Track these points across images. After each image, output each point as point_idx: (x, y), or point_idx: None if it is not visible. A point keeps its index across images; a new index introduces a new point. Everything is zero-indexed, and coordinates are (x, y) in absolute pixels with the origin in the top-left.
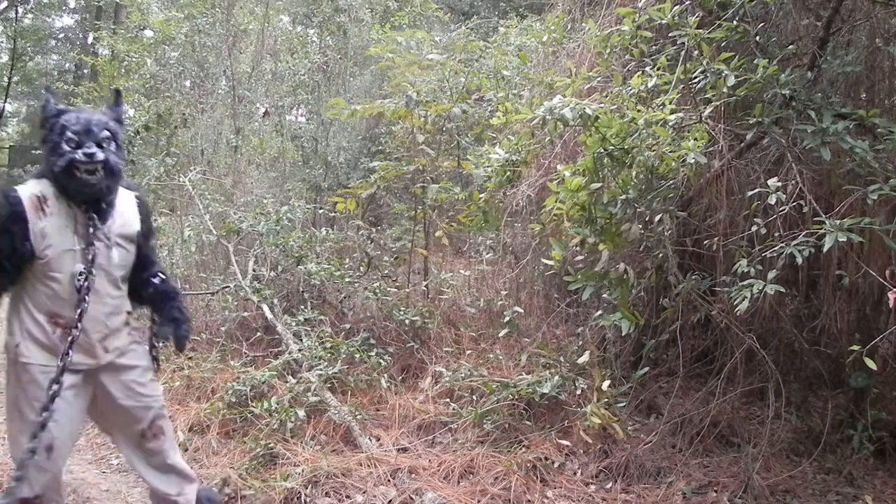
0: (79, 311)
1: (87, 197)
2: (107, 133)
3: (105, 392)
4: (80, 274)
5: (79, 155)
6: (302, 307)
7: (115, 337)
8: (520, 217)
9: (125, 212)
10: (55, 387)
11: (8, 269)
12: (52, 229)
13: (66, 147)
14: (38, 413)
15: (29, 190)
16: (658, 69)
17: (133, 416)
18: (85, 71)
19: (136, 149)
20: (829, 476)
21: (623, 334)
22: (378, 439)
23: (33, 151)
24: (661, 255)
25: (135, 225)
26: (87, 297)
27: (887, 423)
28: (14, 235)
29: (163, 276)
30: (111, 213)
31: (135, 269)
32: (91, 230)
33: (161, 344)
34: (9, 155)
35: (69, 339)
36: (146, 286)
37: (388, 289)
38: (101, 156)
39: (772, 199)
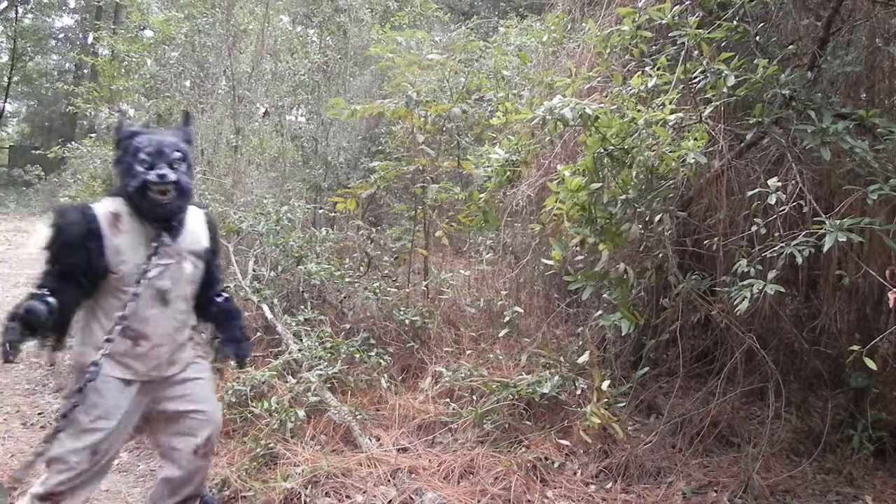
0: (121, 314)
1: (158, 216)
2: (178, 154)
3: (166, 404)
4: (137, 283)
5: (151, 176)
6: (302, 307)
7: (181, 350)
8: (520, 217)
9: (195, 229)
10: (93, 369)
11: (84, 285)
12: (126, 246)
13: (139, 168)
14: (94, 419)
15: (104, 207)
16: (658, 69)
17: (190, 429)
18: (85, 71)
19: None
20: (829, 476)
21: (623, 334)
22: (378, 439)
23: (34, 151)
24: (661, 255)
25: (203, 242)
26: (131, 302)
27: (887, 423)
28: (91, 251)
29: (226, 296)
30: (181, 230)
31: (201, 285)
32: (155, 246)
33: (223, 361)
34: (9, 155)
35: (116, 330)
36: (211, 304)
37: (388, 289)
38: (172, 176)
39: (772, 199)
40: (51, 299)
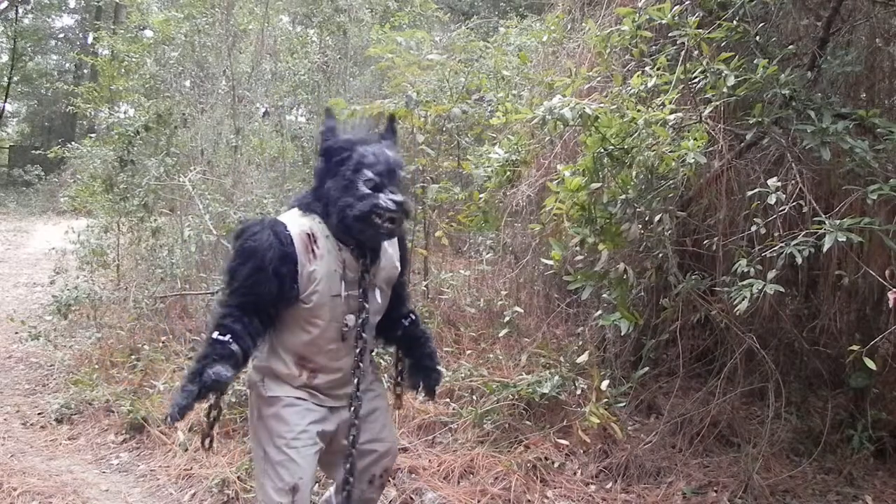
0: (358, 364)
1: (374, 244)
2: (403, 174)
3: (340, 435)
4: (355, 323)
5: (384, 201)
6: None
7: (363, 379)
8: (520, 217)
9: (388, 249)
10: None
11: (272, 316)
12: (321, 273)
13: (364, 189)
14: (282, 448)
15: (298, 226)
16: (658, 69)
17: (368, 459)
18: (85, 71)
19: (136, 149)
20: (829, 476)
21: (622, 334)
22: None
23: (34, 151)
24: (661, 255)
25: (397, 265)
26: (363, 350)
27: (887, 423)
28: (283, 278)
29: (413, 317)
30: (379, 254)
31: (388, 307)
32: (365, 277)
33: (406, 390)
34: (9, 155)
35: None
36: (395, 328)
37: None
38: (407, 204)
39: (772, 199)
40: (234, 347)
